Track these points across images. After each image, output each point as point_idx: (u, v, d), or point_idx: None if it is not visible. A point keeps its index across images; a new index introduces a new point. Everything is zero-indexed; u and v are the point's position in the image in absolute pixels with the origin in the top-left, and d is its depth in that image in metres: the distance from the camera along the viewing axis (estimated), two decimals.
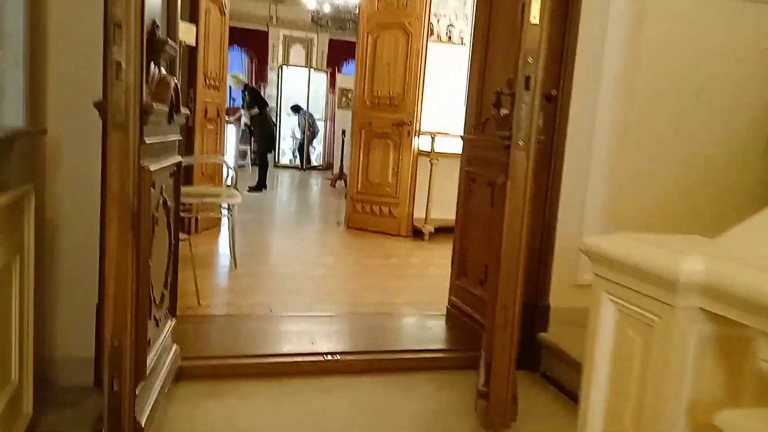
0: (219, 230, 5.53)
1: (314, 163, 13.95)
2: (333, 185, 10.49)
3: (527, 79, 1.91)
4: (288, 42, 13.56)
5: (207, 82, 5.39)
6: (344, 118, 11.54)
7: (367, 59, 6.07)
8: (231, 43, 13.08)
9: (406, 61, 5.91)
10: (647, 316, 1.36)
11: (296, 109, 13.26)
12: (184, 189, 4.10)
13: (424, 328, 3.19)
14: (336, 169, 10.96)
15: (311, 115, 13.51)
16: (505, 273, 2.25)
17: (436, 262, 5.02)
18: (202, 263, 4.38)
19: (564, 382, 2.68)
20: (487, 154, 2.97)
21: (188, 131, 5.14)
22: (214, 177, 5.63)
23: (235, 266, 4.27)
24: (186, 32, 4.88)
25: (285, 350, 2.76)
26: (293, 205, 8.42)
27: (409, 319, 3.46)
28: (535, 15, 1.86)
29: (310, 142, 13.62)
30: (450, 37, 6.46)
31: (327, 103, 13.69)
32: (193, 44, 5.05)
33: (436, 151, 5.87)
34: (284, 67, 13.40)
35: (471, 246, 3.15)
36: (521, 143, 1.94)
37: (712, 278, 1.21)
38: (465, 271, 3.21)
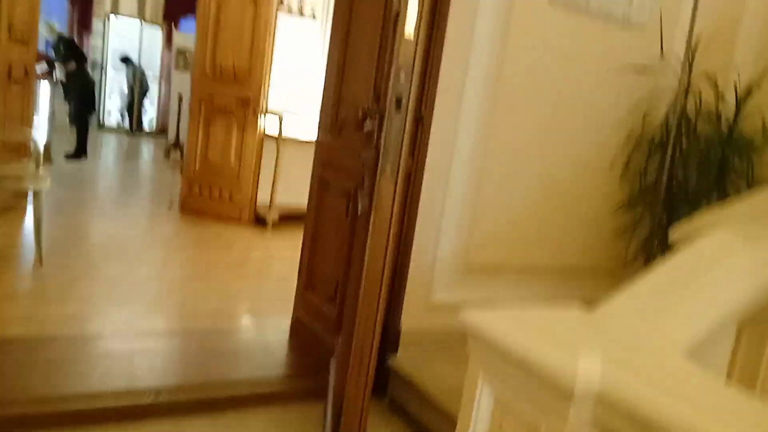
0: (25, 212, 4.72)
1: (146, 128, 12.79)
2: (167, 156, 9.63)
3: (399, 99, 1.64)
4: None
5: (12, 35, 4.51)
6: (182, 81, 10.61)
7: (210, 25, 5.48)
8: None
9: (252, 31, 5.41)
10: (531, 419, 1.17)
11: (126, 60, 12.00)
12: None
13: (266, 350, 2.86)
14: (171, 138, 10.09)
15: (142, 71, 12.31)
16: (363, 314, 2.01)
17: (280, 256, 4.69)
18: None
19: (413, 412, 2.53)
20: (344, 162, 2.69)
21: None
22: (20, 149, 4.78)
23: (41, 263, 3.62)
24: None
25: (94, 388, 2.29)
26: (119, 180, 7.53)
27: (247, 337, 3.11)
28: (410, 29, 1.60)
29: (141, 101, 12.43)
30: (302, 11, 6.03)
31: (162, 61, 12.55)
32: None
33: (283, 135, 5.48)
34: (112, 15, 12.03)
35: (321, 258, 2.87)
36: (388, 169, 1.68)
37: (610, 392, 1.04)
38: (313, 284, 2.93)
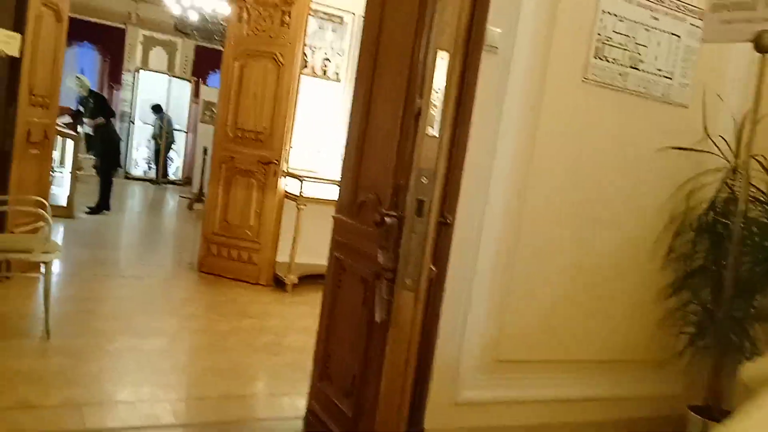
0: (38, 279, 4.61)
1: (171, 176, 12.87)
2: (190, 208, 9.61)
3: (420, 203, 1.47)
4: (148, 44, 12.41)
5: (33, 99, 4.50)
6: (207, 133, 10.67)
7: (233, 87, 5.44)
8: (82, 39, 11.81)
9: (275, 94, 5.36)
10: None
11: (157, 109, 12.16)
12: None
13: None
14: (195, 188, 10.08)
15: (170, 121, 12.45)
16: (383, 418, 1.80)
17: (298, 326, 4.50)
18: (3, 327, 3.54)
19: None
20: (362, 245, 2.52)
21: (2, 158, 4.24)
22: (35, 214, 4.70)
23: (48, 336, 3.48)
24: (7, 42, 4.01)
25: None
26: (139, 236, 7.44)
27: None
28: (432, 125, 1.43)
29: (167, 151, 12.54)
30: (325, 72, 5.99)
31: (190, 114, 12.70)
32: (17, 55, 4.16)
33: (304, 195, 5.35)
34: (142, 70, 12.24)
35: (338, 346, 2.68)
36: (408, 282, 1.50)
37: None
38: (329, 375, 2.72)
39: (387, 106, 2.49)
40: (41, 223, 4.49)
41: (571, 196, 2.59)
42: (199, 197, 9.65)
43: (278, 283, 5.47)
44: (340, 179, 2.87)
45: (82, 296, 4.41)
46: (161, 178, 12.50)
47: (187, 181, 12.45)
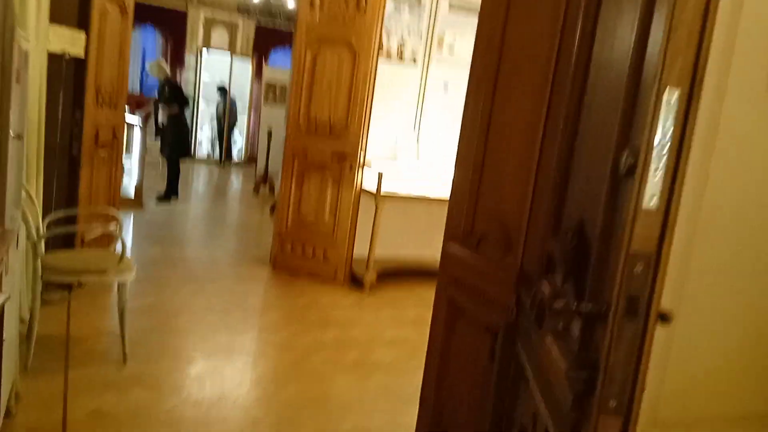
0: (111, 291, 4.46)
1: (235, 158, 12.79)
2: (256, 191, 9.46)
3: (632, 300, 1.10)
4: (209, 24, 12.22)
5: (100, 99, 4.29)
6: (270, 115, 10.49)
7: (305, 77, 5.12)
8: (144, 21, 11.70)
9: (351, 83, 5.01)
10: None
11: (222, 90, 12.04)
12: (56, 258, 3.08)
13: None
14: (260, 170, 9.93)
15: (233, 102, 12.30)
16: None
17: (383, 337, 4.21)
18: (80, 352, 3.37)
19: None
20: (485, 287, 2.17)
21: (71, 163, 4.06)
22: (107, 218, 4.54)
23: (124, 361, 3.29)
24: (72, 42, 3.78)
25: None
26: (208, 228, 7.21)
27: None
28: (654, 194, 1.05)
29: (230, 132, 12.43)
30: (401, 56, 5.60)
31: (252, 93, 12.51)
32: (82, 55, 3.94)
33: (383, 191, 5.02)
34: (204, 49, 12.09)
35: (453, 400, 2.35)
36: (614, 404, 1.14)
37: None
38: (444, 429, 2.40)
39: (520, 124, 2.10)
40: (113, 227, 4.32)
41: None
42: (264, 179, 9.48)
43: (355, 281, 5.20)
44: (449, 198, 2.51)
45: (157, 306, 4.24)
46: (225, 159, 12.42)
47: (250, 161, 12.34)
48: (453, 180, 2.53)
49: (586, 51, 1.66)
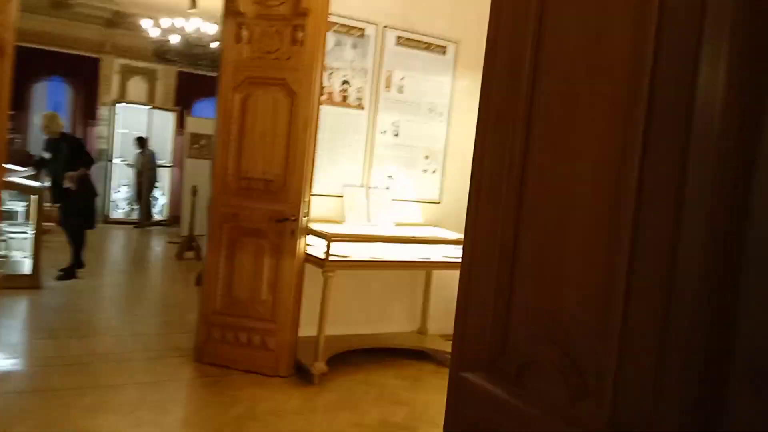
0: None
1: (156, 216, 11.60)
2: (180, 257, 8.34)
3: None
4: (126, 74, 11.18)
5: None
6: (195, 170, 9.48)
7: (233, 125, 4.24)
8: (52, 73, 10.54)
9: (288, 131, 4.17)
10: None
11: (141, 143, 10.92)
12: None
13: None
14: (184, 231, 8.84)
15: (153, 155, 11.19)
16: None
17: None
18: None
19: None
20: None
21: None
22: None
23: None
24: None
25: None
26: (119, 312, 5.92)
27: None
28: None
29: (150, 189, 11.27)
30: (345, 98, 4.82)
31: (174, 148, 11.47)
32: None
33: (332, 257, 4.14)
34: (119, 104, 11.01)
35: None
36: None
37: None
38: None
39: (584, 173, 1.30)
40: None
41: None
42: (189, 243, 8.41)
43: (301, 372, 4.23)
44: (458, 296, 1.68)
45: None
46: (145, 220, 11.22)
47: (173, 220, 11.20)
48: (463, 264, 1.69)
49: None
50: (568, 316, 1.35)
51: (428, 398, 4.16)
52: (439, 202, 5.35)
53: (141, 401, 3.69)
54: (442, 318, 5.34)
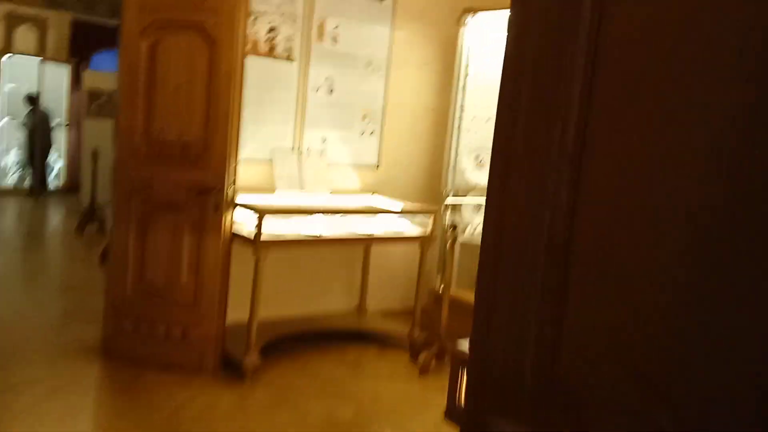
0: None
1: (52, 183, 10.46)
2: (81, 230, 7.43)
3: None
4: (11, 21, 9.83)
5: None
6: (96, 131, 8.50)
7: (141, 78, 3.53)
8: None
9: (209, 85, 3.52)
10: None
11: (31, 100, 9.75)
12: None
13: None
14: (85, 201, 7.92)
15: (47, 116, 10.03)
16: None
17: None
18: None
19: None
20: None
21: None
22: None
23: None
24: None
25: None
26: (10, 296, 5.12)
27: None
28: None
29: (45, 154, 10.11)
30: (273, 49, 4.18)
31: (70, 106, 10.31)
32: None
33: (264, 236, 3.58)
34: (7, 56, 9.71)
35: None
36: None
37: None
38: None
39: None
40: None
41: None
42: (90, 214, 7.52)
43: (230, 367, 3.68)
44: (475, 313, 1.22)
45: None
46: (39, 188, 10.07)
47: (71, 188, 10.13)
48: (484, 261, 1.24)
49: None
50: (646, 335, 0.92)
51: (376, 388, 3.73)
52: (377, 167, 4.85)
53: (37, 410, 3.04)
54: (382, 294, 4.90)
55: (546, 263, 1.08)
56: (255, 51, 4.10)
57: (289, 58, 4.29)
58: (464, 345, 1.67)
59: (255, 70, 4.07)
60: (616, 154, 1.02)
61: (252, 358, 3.66)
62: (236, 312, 3.84)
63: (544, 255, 1.08)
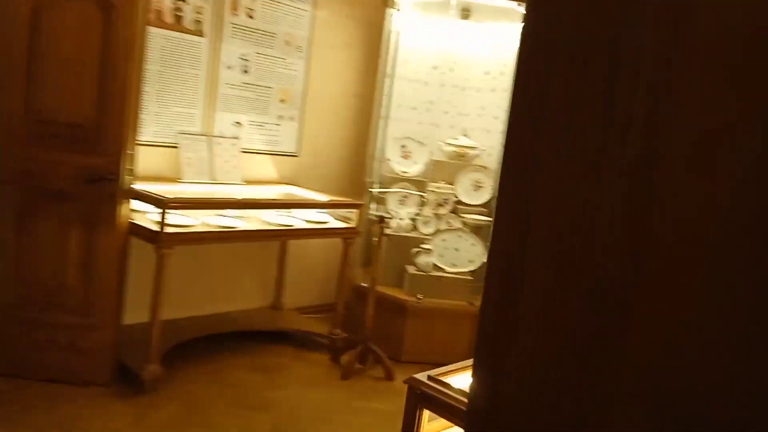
0: None
1: None
2: None
3: None
4: None
5: None
6: None
7: (21, 47, 3.03)
8: None
9: (102, 58, 3.07)
10: None
11: None
12: None
13: None
14: None
15: None
16: None
17: None
18: None
19: None
20: None
21: None
22: None
23: None
24: None
25: None
26: None
27: None
28: None
29: None
30: (179, 20, 3.75)
31: None
32: None
33: (168, 227, 3.18)
34: None
35: None
36: None
37: None
38: None
39: None
40: None
41: None
42: None
43: (127, 378, 3.27)
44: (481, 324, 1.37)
45: None
46: None
47: None
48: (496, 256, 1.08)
49: None
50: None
51: (295, 396, 3.43)
52: (297, 156, 4.52)
53: None
54: (299, 290, 4.59)
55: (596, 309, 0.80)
56: (159, 22, 3.66)
57: (198, 33, 3.87)
58: (423, 376, 1.42)
59: (158, 44, 3.64)
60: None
61: (153, 368, 3.26)
62: (135, 315, 3.43)
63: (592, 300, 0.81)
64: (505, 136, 0.79)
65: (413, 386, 1.38)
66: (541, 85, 0.76)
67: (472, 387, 0.82)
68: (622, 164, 0.68)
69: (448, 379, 1.44)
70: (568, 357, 0.74)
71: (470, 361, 1.59)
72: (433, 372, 1.43)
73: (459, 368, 1.51)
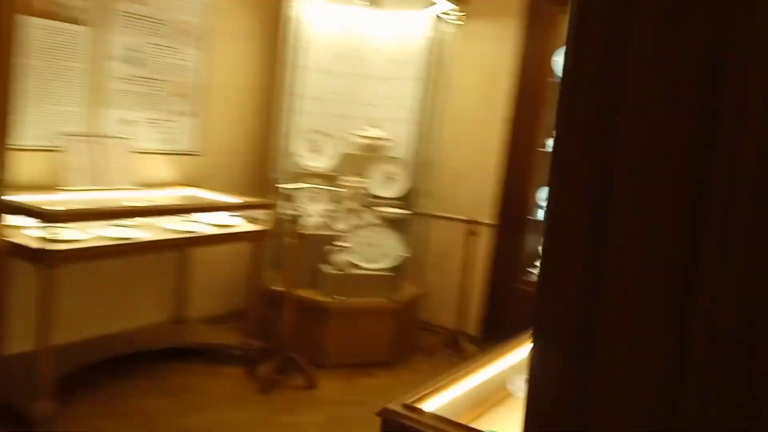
0: None
1: None
2: None
3: None
4: None
5: None
6: None
7: None
8: None
9: None
10: None
11: None
12: None
13: None
14: None
15: None
16: None
17: None
18: None
19: None
20: None
21: None
22: None
23: None
24: None
25: None
26: None
27: None
28: None
29: None
30: (53, 7, 3.29)
31: None
32: None
33: (57, 243, 2.78)
34: None
35: None
36: None
37: None
38: None
39: None
40: None
41: None
42: None
43: (12, 418, 2.84)
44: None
45: None
46: None
47: None
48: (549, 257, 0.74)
49: None
50: None
51: (211, 419, 3.14)
52: (199, 155, 4.16)
53: None
54: (202, 299, 4.26)
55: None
56: (29, 9, 3.19)
57: (78, 21, 3.43)
58: (398, 405, 1.22)
59: (33, 34, 3.18)
60: None
61: (43, 404, 2.85)
62: (20, 343, 2.99)
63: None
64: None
65: (389, 419, 1.19)
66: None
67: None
68: None
69: (423, 405, 1.26)
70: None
71: (444, 379, 1.41)
72: (408, 399, 1.25)
73: (433, 390, 1.33)
